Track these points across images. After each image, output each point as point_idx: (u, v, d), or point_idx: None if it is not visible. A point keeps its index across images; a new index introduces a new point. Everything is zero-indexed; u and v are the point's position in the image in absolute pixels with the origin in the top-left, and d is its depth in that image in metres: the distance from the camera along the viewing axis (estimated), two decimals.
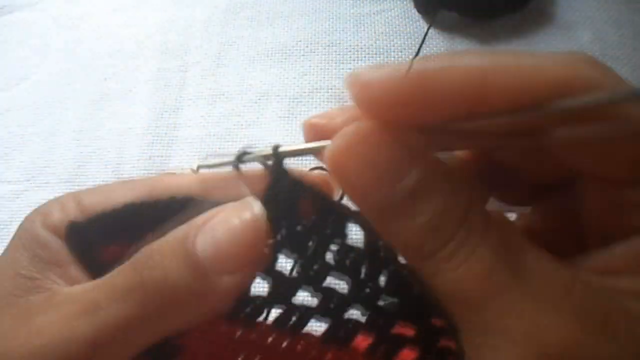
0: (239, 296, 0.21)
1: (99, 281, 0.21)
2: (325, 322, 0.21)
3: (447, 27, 0.68)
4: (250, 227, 0.20)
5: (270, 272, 0.21)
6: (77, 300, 0.21)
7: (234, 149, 0.68)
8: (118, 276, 0.21)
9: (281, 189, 0.21)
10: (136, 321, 0.20)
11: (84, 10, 0.77)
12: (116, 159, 0.62)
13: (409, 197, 0.18)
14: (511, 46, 0.66)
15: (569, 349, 0.17)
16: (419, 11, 0.70)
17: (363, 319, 0.21)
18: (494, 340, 0.18)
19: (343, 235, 0.21)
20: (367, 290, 0.21)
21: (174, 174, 0.27)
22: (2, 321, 0.21)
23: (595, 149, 0.19)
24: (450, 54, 0.18)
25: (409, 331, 0.21)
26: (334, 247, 0.21)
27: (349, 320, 0.21)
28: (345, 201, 0.21)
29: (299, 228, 0.21)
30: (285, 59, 0.68)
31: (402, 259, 0.20)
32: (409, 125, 0.18)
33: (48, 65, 0.72)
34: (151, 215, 0.23)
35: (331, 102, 0.64)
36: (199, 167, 0.26)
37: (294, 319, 0.21)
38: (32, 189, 0.62)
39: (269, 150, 0.21)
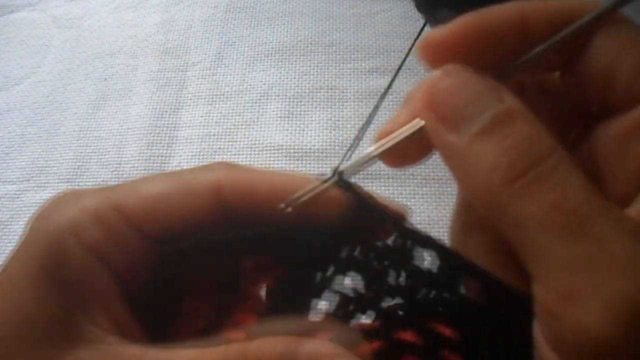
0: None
1: None
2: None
3: None
4: None
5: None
6: None
7: (233, 149, 0.67)
8: None
9: (363, 215, 0.23)
10: None
11: (84, 10, 0.77)
12: (116, 159, 0.62)
13: (505, 117, 0.18)
14: None
15: None
16: (419, 11, 0.70)
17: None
18: (582, 279, 0.16)
19: (410, 257, 0.23)
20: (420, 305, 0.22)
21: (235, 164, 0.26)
22: None
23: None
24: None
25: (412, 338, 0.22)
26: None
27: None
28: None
29: (371, 253, 0.23)
30: (285, 59, 0.68)
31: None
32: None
33: (48, 65, 0.72)
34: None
35: (331, 102, 0.64)
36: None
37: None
38: (32, 189, 0.62)
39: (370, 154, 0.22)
